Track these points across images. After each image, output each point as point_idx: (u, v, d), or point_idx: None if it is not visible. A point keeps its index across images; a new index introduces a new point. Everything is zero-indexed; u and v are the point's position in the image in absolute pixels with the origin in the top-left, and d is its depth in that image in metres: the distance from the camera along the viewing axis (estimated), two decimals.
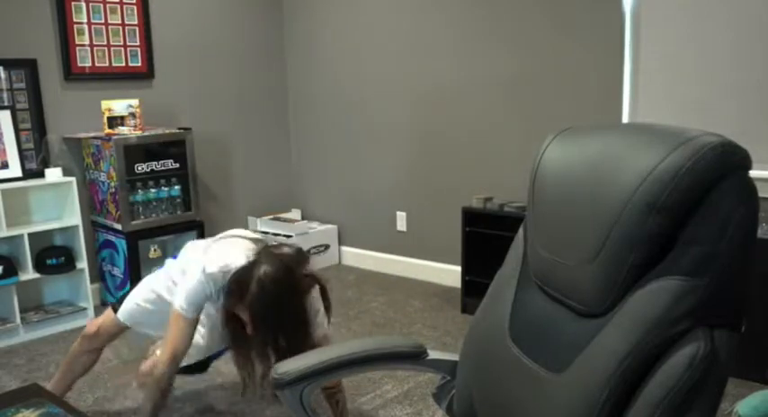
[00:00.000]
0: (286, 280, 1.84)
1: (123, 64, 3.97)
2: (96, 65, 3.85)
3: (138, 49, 4.02)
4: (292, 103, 4.88)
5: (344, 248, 4.73)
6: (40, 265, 3.47)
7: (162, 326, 2.09)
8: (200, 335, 2.21)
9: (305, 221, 4.73)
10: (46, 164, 3.64)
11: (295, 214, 4.90)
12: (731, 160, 0.97)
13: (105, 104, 3.70)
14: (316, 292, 2.00)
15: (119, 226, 3.66)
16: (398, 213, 4.36)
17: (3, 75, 3.51)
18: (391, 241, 4.43)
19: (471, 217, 3.61)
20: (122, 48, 3.95)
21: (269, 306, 1.81)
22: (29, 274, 3.43)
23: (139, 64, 4.04)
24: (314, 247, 4.56)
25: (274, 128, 4.84)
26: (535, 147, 1.27)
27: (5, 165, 3.43)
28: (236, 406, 2.65)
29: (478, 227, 3.59)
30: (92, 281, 3.76)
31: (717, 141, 0.97)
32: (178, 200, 3.92)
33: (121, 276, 3.75)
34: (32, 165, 3.61)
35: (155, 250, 3.86)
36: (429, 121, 4.09)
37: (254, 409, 2.62)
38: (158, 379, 2.02)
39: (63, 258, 3.54)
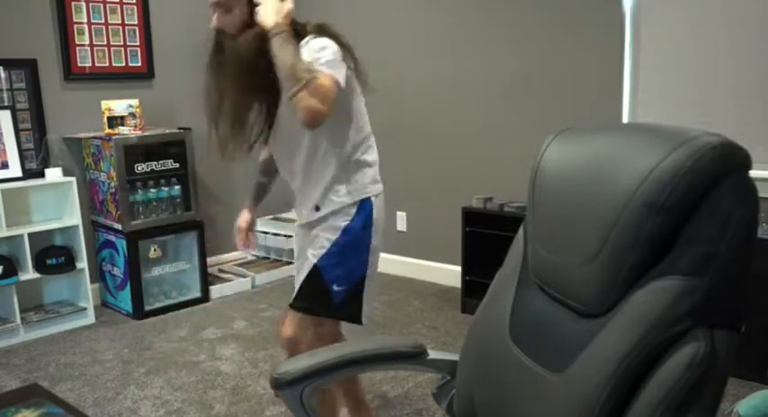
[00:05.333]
0: None
1: (123, 64, 3.97)
2: (96, 65, 3.85)
3: (138, 49, 4.02)
4: None
5: None
6: (40, 265, 3.48)
7: None
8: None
9: None
10: (46, 164, 3.65)
11: (295, 214, 4.89)
12: (731, 160, 0.97)
13: (105, 104, 3.70)
14: None
15: (119, 226, 3.66)
16: (398, 213, 4.36)
17: (3, 75, 3.51)
18: (391, 241, 4.42)
19: (471, 217, 3.61)
20: (122, 48, 3.96)
21: None
22: (29, 274, 3.43)
23: (139, 64, 4.04)
24: None
25: None
26: (535, 147, 1.27)
27: (5, 165, 3.43)
28: (236, 406, 2.65)
29: (478, 227, 3.59)
30: (92, 281, 3.77)
31: (717, 141, 0.97)
32: (178, 200, 3.91)
33: (121, 276, 3.75)
34: (32, 165, 3.61)
35: (155, 250, 3.86)
36: (429, 121, 4.09)
37: (255, 409, 2.62)
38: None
39: (63, 258, 3.54)
